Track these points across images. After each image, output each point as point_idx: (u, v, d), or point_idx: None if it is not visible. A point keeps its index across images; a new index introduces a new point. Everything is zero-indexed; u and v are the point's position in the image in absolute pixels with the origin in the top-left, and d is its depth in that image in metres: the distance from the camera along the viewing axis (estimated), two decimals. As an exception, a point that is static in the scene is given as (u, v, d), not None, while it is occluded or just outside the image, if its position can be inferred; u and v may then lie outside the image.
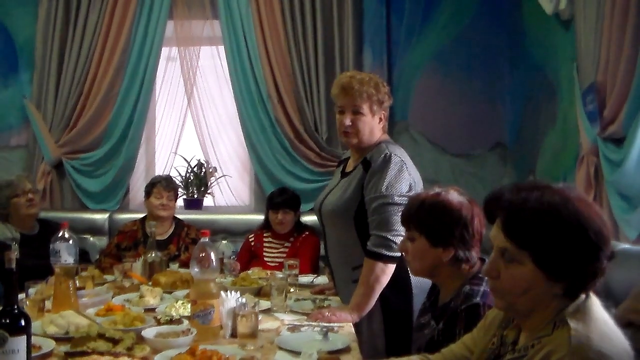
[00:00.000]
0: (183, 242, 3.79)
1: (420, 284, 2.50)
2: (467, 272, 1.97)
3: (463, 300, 1.89)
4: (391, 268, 2.43)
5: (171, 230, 3.85)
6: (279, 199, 3.85)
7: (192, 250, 3.64)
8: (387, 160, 2.48)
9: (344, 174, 2.71)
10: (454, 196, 1.99)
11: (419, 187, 2.55)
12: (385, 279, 2.42)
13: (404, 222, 2.07)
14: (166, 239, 3.78)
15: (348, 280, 2.58)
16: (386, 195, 2.43)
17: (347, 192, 2.57)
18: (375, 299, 2.44)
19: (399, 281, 2.46)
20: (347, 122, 2.56)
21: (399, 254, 2.43)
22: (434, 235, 1.97)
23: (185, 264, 3.40)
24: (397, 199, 2.42)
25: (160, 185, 3.85)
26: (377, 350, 2.44)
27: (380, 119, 2.62)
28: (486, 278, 1.54)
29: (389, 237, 2.40)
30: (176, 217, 3.95)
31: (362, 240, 2.51)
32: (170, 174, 4.57)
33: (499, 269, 1.35)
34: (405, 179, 2.48)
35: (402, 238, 2.41)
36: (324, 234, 2.75)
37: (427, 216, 1.97)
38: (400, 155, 2.53)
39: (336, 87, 2.62)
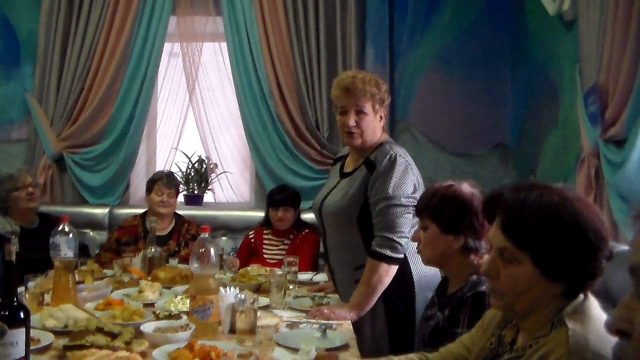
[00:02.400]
0: (183, 238, 3.79)
1: (423, 283, 2.51)
2: (476, 263, 1.98)
3: (470, 288, 1.93)
4: (394, 269, 2.43)
5: (171, 226, 3.85)
6: (279, 196, 3.85)
7: (192, 246, 3.64)
8: (392, 162, 2.47)
9: (343, 174, 2.69)
10: (466, 187, 2.05)
11: (421, 187, 2.55)
12: (387, 280, 2.42)
13: (418, 212, 2.13)
14: (166, 235, 3.78)
15: (349, 281, 2.57)
16: (393, 197, 2.42)
17: (349, 193, 2.55)
18: (376, 300, 2.44)
19: (402, 281, 2.46)
20: (352, 122, 2.53)
21: (402, 256, 2.43)
22: (445, 222, 2.02)
23: (184, 260, 3.40)
24: (403, 201, 2.42)
25: (162, 182, 3.84)
26: (381, 350, 2.42)
27: (381, 118, 2.61)
28: None
29: (395, 238, 2.40)
30: (176, 213, 3.94)
31: (365, 241, 2.50)
32: (171, 170, 4.57)
33: (498, 268, 1.36)
34: (411, 180, 2.47)
35: (407, 240, 2.43)
36: (324, 234, 2.73)
37: (439, 204, 2.03)
38: (404, 156, 2.52)
39: (338, 87, 2.58)
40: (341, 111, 2.58)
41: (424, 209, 2.08)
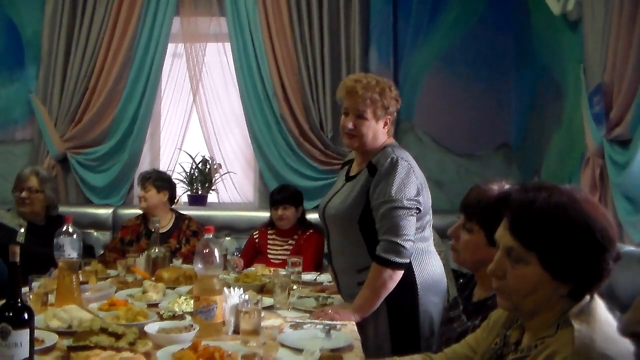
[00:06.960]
0: (184, 235, 3.79)
1: (426, 286, 2.49)
2: None
3: None
4: (399, 274, 2.40)
5: (171, 224, 3.85)
6: (278, 196, 3.87)
7: (192, 242, 3.67)
8: (394, 165, 2.45)
9: (348, 178, 2.68)
10: None
11: (425, 190, 2.53)
12: (392, 285, 2.40)
13: (466, 210, 1.98)
14: (166, 232, 3.77)
15: (353, 283, 2.55)
16: (395, 199, 2.40)
17: (350, 196, 2.54)
18: (379, 304, 2.43)
19: (405, 283, 2.44)
20: (350, 125, 2.54)
21: (408, 260, 2.41)
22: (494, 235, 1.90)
23: (186, 257, 3.41)
24: (406, 203, 2.40)
25: (139, 179, 3.92)
26: (383, 351, 2.41)
27: (386, 123, 2.58)
28: None
29: (399, 242, 2.37)
30: (177, 211, 3.95)
31: (367, 243, 2.49)
32: (175, 170, 4.59)
33: (505, 268, 1.35)
34: (413, 182, 2.45)
35: (412, 243, 2.40)
36: (328, 237, 2.73)
37: (493, 215, 1.88)
38: (406, 159, 2.50)
39: (341, 89, 2.59)
40: (344, 112, 2.59)
41: (476, 212, 1.93)
